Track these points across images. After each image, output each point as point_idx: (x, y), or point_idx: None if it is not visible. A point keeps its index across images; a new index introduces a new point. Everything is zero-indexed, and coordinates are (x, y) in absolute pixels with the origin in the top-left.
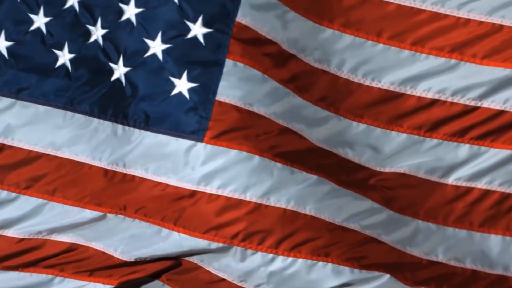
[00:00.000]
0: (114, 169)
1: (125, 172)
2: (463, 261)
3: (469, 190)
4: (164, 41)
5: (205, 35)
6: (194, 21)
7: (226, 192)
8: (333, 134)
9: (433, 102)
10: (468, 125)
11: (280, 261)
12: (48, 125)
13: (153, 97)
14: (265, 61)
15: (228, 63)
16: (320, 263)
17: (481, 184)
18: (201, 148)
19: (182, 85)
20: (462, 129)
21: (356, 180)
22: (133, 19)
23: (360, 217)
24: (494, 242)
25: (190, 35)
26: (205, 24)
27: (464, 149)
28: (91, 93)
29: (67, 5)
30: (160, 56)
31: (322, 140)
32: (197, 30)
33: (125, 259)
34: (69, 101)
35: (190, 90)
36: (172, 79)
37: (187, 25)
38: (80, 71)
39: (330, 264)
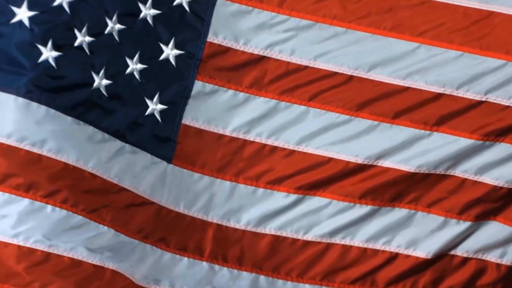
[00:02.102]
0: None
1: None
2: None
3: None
4: (141, 61)
5: (177, 57)
6: (167, 43)
7: (191, 212)
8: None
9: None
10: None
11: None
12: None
13: (129, 113)
14: (241, 77)
15: (197, 84)
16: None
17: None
18: (170, 169)
19: (154, 106)
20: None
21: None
22: (116, 36)
23: None
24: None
25: (162, 57)
26: (177, 46)
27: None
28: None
29: (56, 3)
30: (137, 75)
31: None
32: (169, 51)
33: None
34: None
35: (161, 112)
36: (146, 100)
37: (160, 47)
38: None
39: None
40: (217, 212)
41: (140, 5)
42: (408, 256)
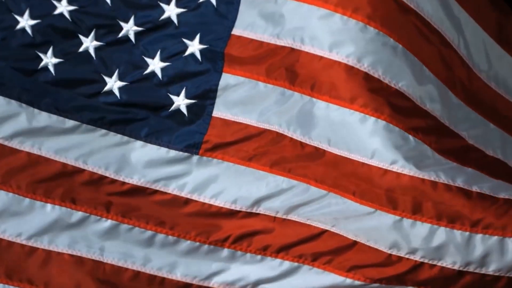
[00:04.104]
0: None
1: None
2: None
3: None
4: (162, 59)
5: (202, 51)
6: (191, 39)
7: (218, 202)
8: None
9: None
10: None
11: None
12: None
13: (149, 112)
14: (268, 68)
15: (225, 77)
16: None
17: None
18: (196, 160)
19: (180, 101)
20: None
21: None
22: (132, 38)
23: None
24: None
25: (188, 53)
26: (202, 41)
27: None
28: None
29: (57, 12)
30: (159, 73)
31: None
32: (194, 47)
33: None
34: (52, 104)
35: (188, 107)
36: (171, 96)
37: (184, 43)
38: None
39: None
40: (246, 201)
41: (163, 5)
42: (433, 266)
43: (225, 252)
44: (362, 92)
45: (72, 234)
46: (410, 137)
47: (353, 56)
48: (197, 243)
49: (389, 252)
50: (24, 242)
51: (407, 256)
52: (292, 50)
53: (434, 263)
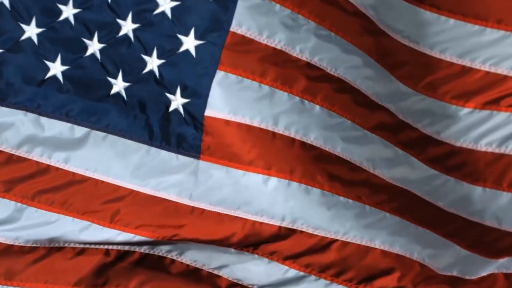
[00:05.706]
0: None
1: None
2: None
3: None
4: (159, 56)
5: (197, 48)
6: (186, 34)
7: (221, 209)
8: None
9: None
10: None
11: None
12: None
13: (152, 113)
14: (265, 69)
15: (219, 74)
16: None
17: None
18: (197, 165)
19: (177, 101)
20: None
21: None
22: (131, 35)
23: None
24: None
25: (182, 49)
26: (198, 36)
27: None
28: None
29: (61, 18)
30: (156, 72)
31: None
32: (190, 43)
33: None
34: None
35: (184, 106)
36: (168, 95)
37: (179, 39)
38: (73, 83)
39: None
40: (249, 208)
41: None
42: (445, 276)
43: (233, 250)
44: (354, 106)
45: (74, 234)
46: (399, 150)
47: (359, 82)
48: (202, 244)
49: (414, 258)
50: (22, 244)
51: (431, 263)
52: (274, 48)
53: (447, 273)
